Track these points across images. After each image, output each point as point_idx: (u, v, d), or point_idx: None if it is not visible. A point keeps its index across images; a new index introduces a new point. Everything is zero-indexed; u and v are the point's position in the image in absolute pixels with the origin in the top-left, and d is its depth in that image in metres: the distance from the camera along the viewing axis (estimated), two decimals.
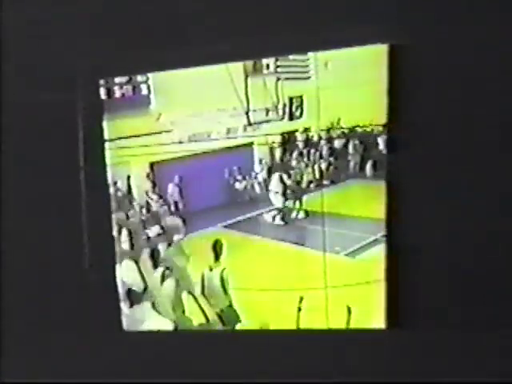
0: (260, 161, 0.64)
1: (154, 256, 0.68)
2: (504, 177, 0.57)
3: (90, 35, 0.67)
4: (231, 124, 0.64)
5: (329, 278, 0.62)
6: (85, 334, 0.70)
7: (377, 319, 0.60)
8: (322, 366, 0.63)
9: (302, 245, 0.63)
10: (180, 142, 0.65)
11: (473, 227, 0.58)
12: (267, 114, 0.63)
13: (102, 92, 0.67)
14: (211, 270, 0.65)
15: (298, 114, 0.62)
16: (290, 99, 0.62)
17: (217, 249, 0.65)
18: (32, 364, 0.73)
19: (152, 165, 0.66)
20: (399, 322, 0.60)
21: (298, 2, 0.60)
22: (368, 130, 0.59)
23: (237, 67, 0.63)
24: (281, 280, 0.63)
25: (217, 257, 0.65)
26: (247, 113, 0.63)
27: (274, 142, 0.63)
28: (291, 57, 0.61)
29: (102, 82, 0.67)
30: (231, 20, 0.63)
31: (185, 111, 0.65)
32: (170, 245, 0.67)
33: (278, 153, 0.63)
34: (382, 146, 0.59)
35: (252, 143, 0.63)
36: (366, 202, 0.60)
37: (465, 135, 0.57)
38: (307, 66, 0.61)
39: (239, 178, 0.64)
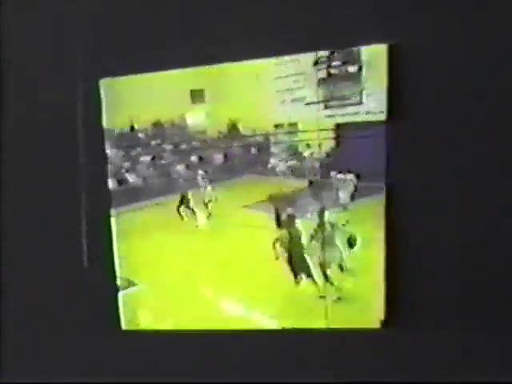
0: None
1: None
2: (504, 176, 0.57)
3: (89, 35, 0.67)
4: None
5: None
6: (85, 334, 0.70)
7: (376, 319, 0.60)
8: (322, 365, 0.63)
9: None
10: None
11: (473, 227, 0.58)
12: None
13: (103, 92, 0.67)
14: None
15: None
16: None
17: None
18: (32, 364, 0.73)
19: None
20: (399, 321, 0.60)
21: (298, 1, 0.60)
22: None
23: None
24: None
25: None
26: None
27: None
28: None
29: (102, 81, 0.67)
30: (231, 20, 0.63)
31: None
32: None
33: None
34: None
35: None
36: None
37: (465, 135, 0.57)
38: None
39: None
